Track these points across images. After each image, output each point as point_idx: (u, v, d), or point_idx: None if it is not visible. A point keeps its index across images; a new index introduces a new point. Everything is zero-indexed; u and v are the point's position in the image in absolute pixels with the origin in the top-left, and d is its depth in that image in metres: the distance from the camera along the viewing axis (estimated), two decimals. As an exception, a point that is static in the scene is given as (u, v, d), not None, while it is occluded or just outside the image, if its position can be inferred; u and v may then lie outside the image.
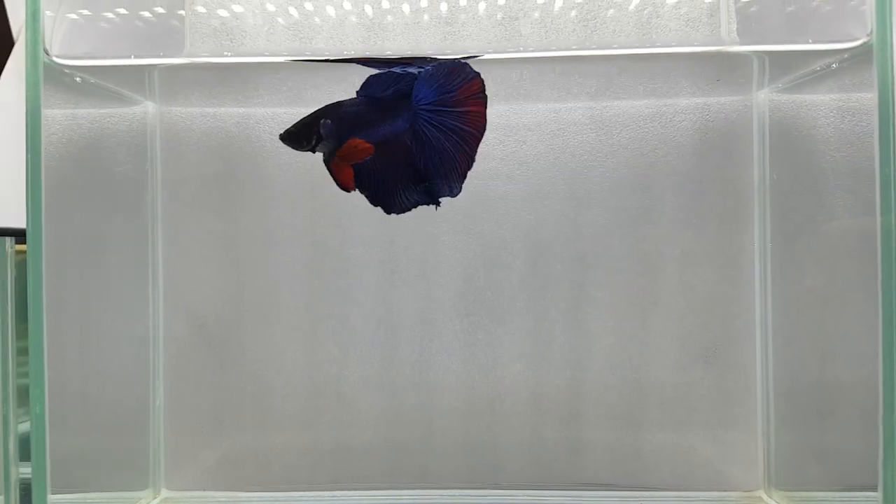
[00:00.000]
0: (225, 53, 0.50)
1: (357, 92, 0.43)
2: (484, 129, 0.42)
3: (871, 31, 0.40)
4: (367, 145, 0.42)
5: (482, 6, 0.51)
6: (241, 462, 0.55)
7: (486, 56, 0.46)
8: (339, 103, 0.43)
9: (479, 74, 0.42)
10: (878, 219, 0.40)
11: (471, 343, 0.54)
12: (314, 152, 0.44)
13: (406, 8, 0.52)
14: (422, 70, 0.42)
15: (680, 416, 0.54)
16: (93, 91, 0.50)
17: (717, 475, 0.54)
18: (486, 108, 0.42)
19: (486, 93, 0.43)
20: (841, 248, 0.47)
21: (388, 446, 0.54)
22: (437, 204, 0.43)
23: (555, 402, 0.54)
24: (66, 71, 0.45)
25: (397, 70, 0.42)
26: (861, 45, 0.41)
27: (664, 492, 0.53)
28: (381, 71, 0.43)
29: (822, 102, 0.49)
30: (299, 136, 0.44)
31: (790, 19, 0.48)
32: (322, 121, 0.42)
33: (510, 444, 0.54)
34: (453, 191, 0.43)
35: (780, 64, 0.48)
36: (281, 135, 0.44)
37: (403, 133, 0.42)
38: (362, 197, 0.54)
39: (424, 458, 0.54)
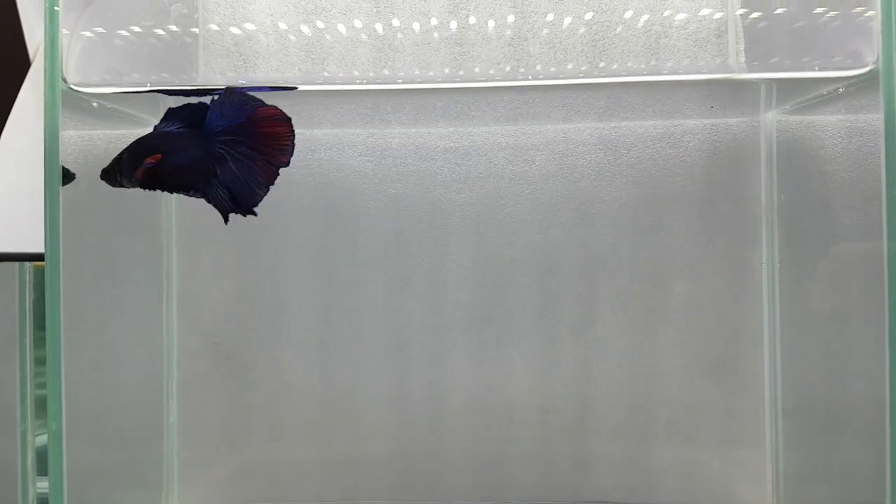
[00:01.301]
0: (240, 82, 0.50)
1: (155, 126, 0.45)
2: (287, 144, 0.45)
3: (878, 59, 0.40)
4: (153, 159, 0.45)
5: (491, 24, 0.52)
6: (254, 476, 0.55)
7: (494, 84, 0.47)
8: (139, 139, 0.45)
9: (263, 103, 0.44)
10: (885, 243, 0.40)
11: (480, 360, 0.55)
12: (124, 186, 0.46)
13: (416, 27, 0.52)
14: (214, 99, 0.44)
15: (688, 432, 0.54)
16: (108, 114, 0.51)
17: (724, 492, 0.54)
18: (286, 126, 0.44)
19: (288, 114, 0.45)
20: (849, 266, 0.47)
21: (399, 461, 0.55)
22: (250, 213, 0.45)
23: (563, 417, 0.54)
24: (83, 97, 0.46)
25: (194, 101, 0.45)
26: (868, 72, 0.41)
27: (672, 509, 0.54)
28: (177, 105, 0.45)
29: (830, 123, 0.49)
30: (109, 172, 0.46)
31: (798, 38, 0.48)
32: (119, 155, 0.45)
33: (519, 459, 0.55)
34: (256, 199, 0.44)
35: (788, 88, 0.48)
36: (100, 174, 0.46)
37: (201, 160, 0.44)
38: (374, 215, 0.55)
39: (434, 473, 0.55)
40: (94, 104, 0.48)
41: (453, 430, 0.55)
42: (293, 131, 0.45)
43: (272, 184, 0.45)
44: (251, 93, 0.45)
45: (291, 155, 0.45)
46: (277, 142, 0.45)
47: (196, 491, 0.55)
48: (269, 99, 0.46)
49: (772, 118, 0.53)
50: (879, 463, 0.41)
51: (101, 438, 0.52)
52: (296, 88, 0.45)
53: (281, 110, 0.45)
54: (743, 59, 0.50)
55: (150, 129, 0.54)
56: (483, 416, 0.55)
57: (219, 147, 0.44)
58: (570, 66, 0.50)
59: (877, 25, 0.40)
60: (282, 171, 0.55)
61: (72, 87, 0.44)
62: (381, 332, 0.55)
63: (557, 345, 0.54)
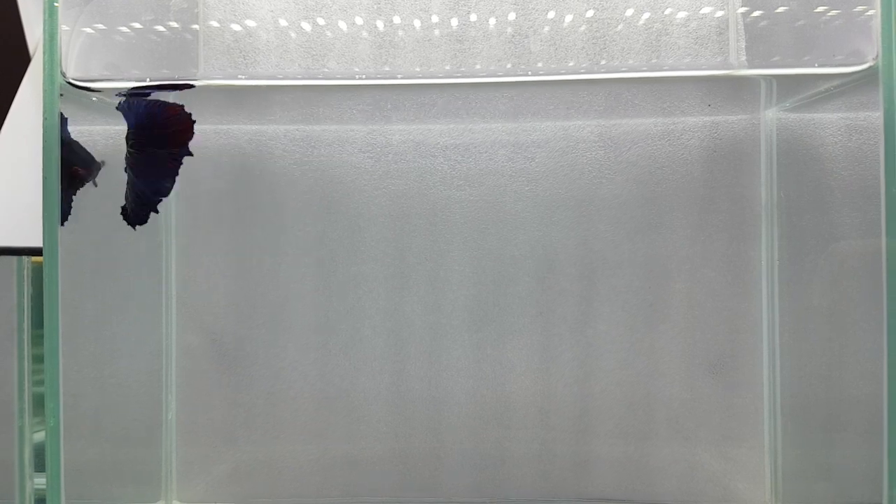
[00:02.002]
0: (239, 77, 0.50)
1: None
2: (188, 137, 0.46)
3: (878, 55, 0.40)
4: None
5: (492, 21, 0.52)
6: (252, 474, 0.55)
7: (495, 80, 0.47)
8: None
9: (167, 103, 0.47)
10: (884, 240, 0.40)
11: (480, 358, 0.54)
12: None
13: (417, 23, 0.52)
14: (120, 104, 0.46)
15: (687, 431, 0.54)
16: (109, 109, 0.51)
17: (724, 491, 0.54)
18: (187, 122, 0.46)
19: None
20: (848, 264, 0.47)
21: (398, 459, 0.55)
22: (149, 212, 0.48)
23: (563, 416, 0.54)
24: (82, 92, 0.46)
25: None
26: (867, 69, 0.41)
27: (671, 507, 0.54)
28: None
29: (830, 121, 0.49)
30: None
31: (799, 36, 0.48)
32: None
33: (518, 457, 0.55)
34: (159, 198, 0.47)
35: (788, 85, 0.48)
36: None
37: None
38: (374, 212, 0.55)
39: (433, 472, 0.55)
40: (94, 99, 0.48)
41: (452, 429, 0.55)
42: (192, 124, 0.47)
43: (177, 175, 0.47)
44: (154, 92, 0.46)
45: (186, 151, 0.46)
46: (179, 137, 0.46)
47: (195, 488, 0.55)
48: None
49: (772, 116, 0.53)
50: (877, 461, 0.41)
51: (99, 435, 0.52)
52: (192, 86, 0.46)
53: (182, 107, 0.46)
54: (744, 57, 0.50)
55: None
56: (482, 414, 0.55)
57: (129, 150, 0.46)
58: (570, 63, 0.50)
59: (877, 23, 0.40)
60: (282, 169, 0.55)
61: (70, 81, 0.44)
62: (380, 329, 0.55)
63: (557, 343, 0.54)
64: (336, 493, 0.55)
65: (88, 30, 0.49)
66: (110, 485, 0.52)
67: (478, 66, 0.50)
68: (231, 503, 0.55)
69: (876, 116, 0.41)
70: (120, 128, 0.53)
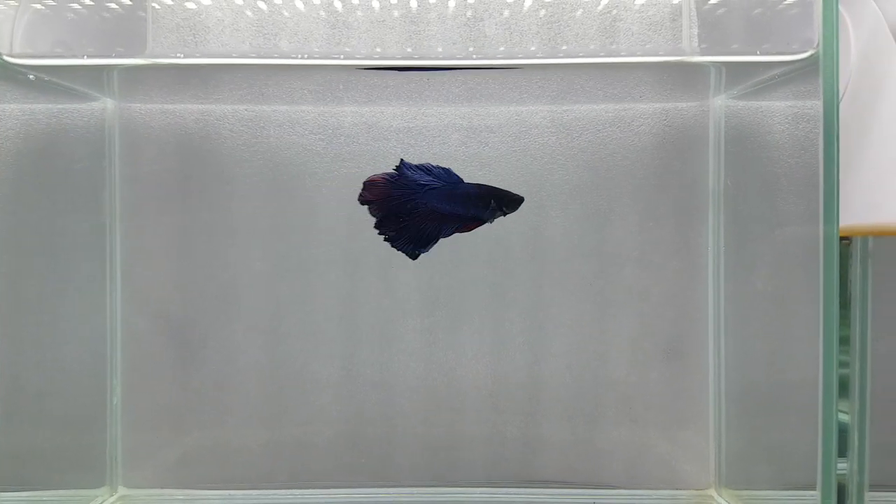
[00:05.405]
0: (178, 54, 0.49)
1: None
2: None
3: (818, 43, 0.40)
4: None
5: (451, 4, 0.51)
6: (200, 460, 0.55)
7: (448, 62, 0.47)
8: None
9: None
10: (822, 227, 0.40)
11: (431, 342, 0.54)
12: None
13: (376, 4, 0.52)
14: None
15: (635, 415, 0.55)
16: (50, 87, 0.49)
17: (670, 473, 0.55)
18: None
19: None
20: (792, 251, 0.48)
21: (348, 444, 0.55)
22: None
23: (513, 400, 0.55)
24: (19, 70, 0.44)
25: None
26: (810, 56, 0.41)
27: (618, 489, 0.55)
28: None
29: (778, 109, 0.49)
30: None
31: (751, 26, 0.49)
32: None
33: (469, 441, 0.55)
34: None
35: (736, 72, 0.49)
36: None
37: None
38: (324, 194, 0.54)
39: (384, 456, 0.55)
40: (31, 77, 0.46)
41: (404, 413, 0.55)
42: None
43: None
44: None
45: None
46: None
47: (141, 473, 0.55)
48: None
49: (721, 103, 0.53)
50: (815, 443, 0.42)
51: (41, 420, 0.51)
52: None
53: None
54: (696, 44, 0.51)
55: (93, 104, 0.53)
56: (433, 399, 0.55)
57: None
58: (530, 47, 0.50)
59: (818, 10, 0.40)
60: (230, 150, 0.54)
61: (4, 57, 0.43)
62: (331, 313, 0.54)
63: (508, 327, 0.54)
64: (285, 477, 0.55)
65: (37, 6, 0.47)
66: (52, 470, 0.51)
67: (439, 49, 0.50)
68: (178, 488, 0.55)
69: (820, 105, 0.42)
70: (63, 106, 0.52)
